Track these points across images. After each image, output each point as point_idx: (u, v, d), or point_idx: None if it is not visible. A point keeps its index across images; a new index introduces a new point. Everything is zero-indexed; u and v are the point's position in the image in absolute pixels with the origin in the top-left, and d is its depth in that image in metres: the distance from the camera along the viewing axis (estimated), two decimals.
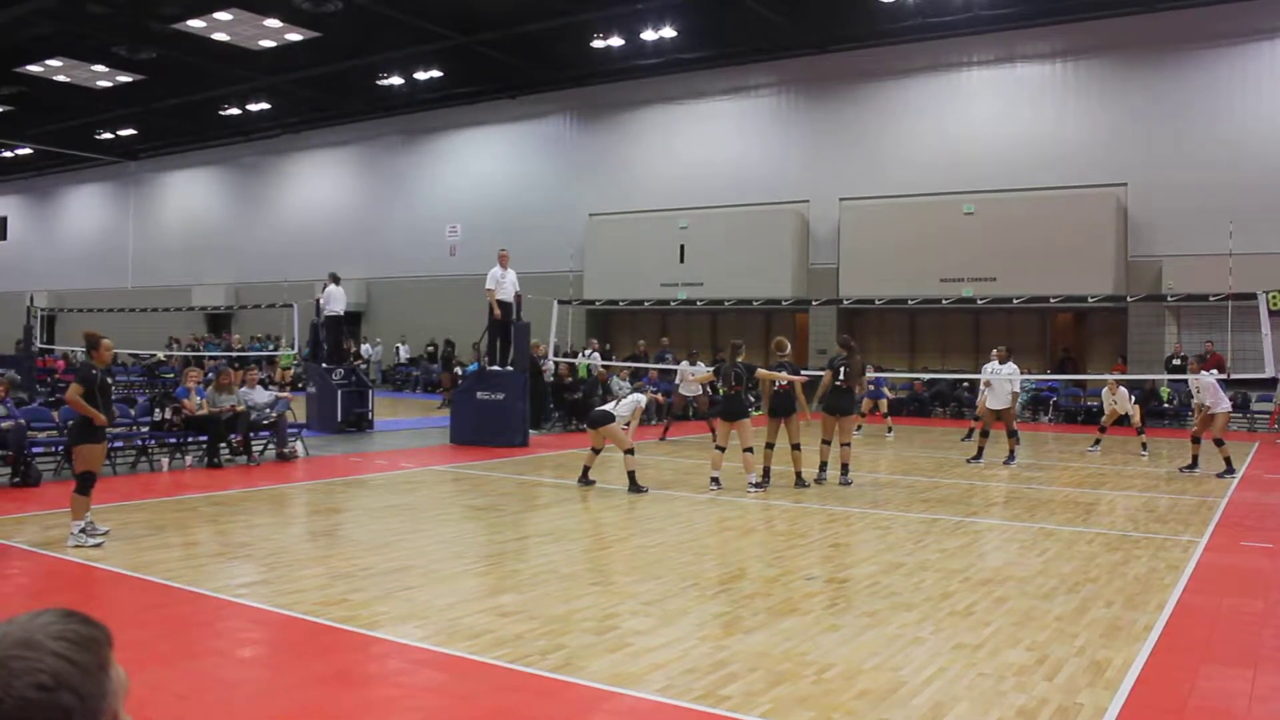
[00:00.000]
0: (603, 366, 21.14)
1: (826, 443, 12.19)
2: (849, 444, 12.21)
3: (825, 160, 26.16)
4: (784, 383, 11.64)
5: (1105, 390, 16.56)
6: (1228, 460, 13.10)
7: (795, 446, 11.83)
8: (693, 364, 18.55)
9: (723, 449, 11.72)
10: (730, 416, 11.43)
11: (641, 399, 11.97)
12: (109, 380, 8.42)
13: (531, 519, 9.69)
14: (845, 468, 12.08)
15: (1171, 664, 5.30)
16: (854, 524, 9.49)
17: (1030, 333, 24.99)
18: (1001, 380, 14.59)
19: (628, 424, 11.42)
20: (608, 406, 11.69)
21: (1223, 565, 7.84)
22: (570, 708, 4.59)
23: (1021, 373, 16.22)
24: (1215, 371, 13.85)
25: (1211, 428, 13.27)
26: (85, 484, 7.74)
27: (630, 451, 11.33)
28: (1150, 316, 21.98)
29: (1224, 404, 13.27)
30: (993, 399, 14.61)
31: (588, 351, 22.67)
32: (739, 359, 11.52)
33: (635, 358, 23.75)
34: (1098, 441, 16.39)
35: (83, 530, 7.76)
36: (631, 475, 11.25)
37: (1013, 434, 14.46)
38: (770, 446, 11.93)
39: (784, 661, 5.18)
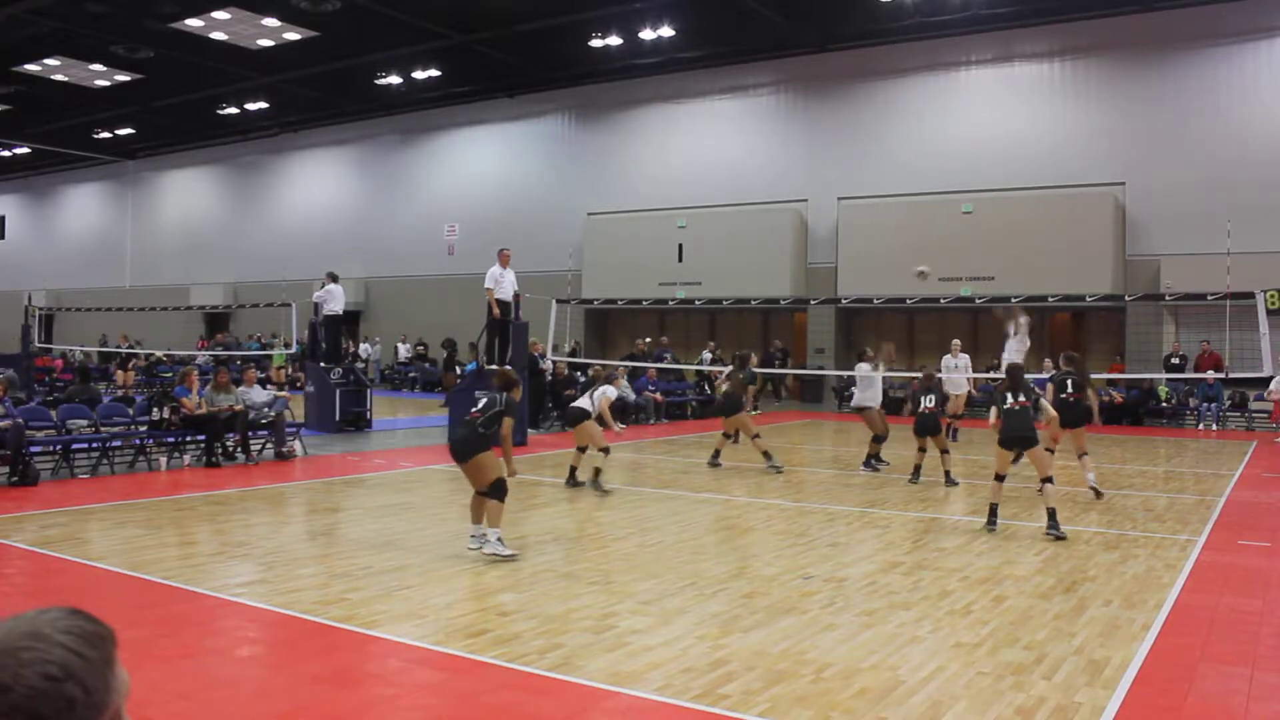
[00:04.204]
0: (600, 365, 21.12)
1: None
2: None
3: (824, 159, 26.15)
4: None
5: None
6: None
7: (944, 451, 12.23)
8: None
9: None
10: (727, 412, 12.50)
11: (611, 390, 11.45)
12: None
13: (530, 518, 9.68)
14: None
15: (1169, 663, 5.31)
16: (852, 523, 9.50)
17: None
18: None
19: (600, 418, 11.13)
20: (580, 402, 11.46)
21: (1221, 564, 7.84)
22: (568, 706, 4.59)
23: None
24: None
25: None
26: (500, 491, 7.76)
27: (605, 450, 11.15)
28: (1148, 316, 21.98)
29: None
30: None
31: (706, 355, 24.03)
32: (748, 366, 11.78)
33: (633, 357, 23.74)
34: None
35: (499, 539, 7.67)
36: (596, 471, 11.01)
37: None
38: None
39: (782, 660, 5.19)
